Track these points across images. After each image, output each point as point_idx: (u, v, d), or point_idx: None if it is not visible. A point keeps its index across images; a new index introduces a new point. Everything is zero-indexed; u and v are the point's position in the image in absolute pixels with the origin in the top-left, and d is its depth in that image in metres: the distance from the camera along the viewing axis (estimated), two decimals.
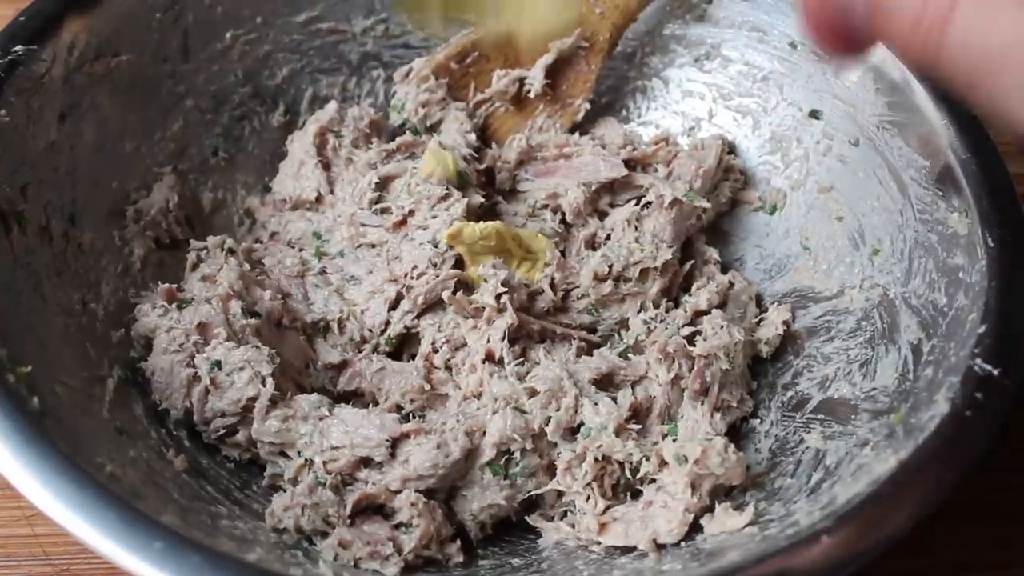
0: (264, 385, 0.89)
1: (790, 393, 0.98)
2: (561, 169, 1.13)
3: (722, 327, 0.97)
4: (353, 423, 0.88)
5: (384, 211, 1.07)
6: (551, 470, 0.90)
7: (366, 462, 0.87)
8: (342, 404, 0.93)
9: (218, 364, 0.89)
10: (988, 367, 0.76)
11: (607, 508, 0.88)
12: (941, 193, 0.92)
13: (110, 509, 0.66)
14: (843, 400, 0.91)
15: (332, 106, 1.16)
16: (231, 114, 1.15)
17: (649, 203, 1.08)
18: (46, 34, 0.94)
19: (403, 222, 1.04)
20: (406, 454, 0.87)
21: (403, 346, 1.02)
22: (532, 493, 0.90)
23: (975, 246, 0.86)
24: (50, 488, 0.67)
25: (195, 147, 1.12)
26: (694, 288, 1.06)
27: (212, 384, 0.89)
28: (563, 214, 1.10)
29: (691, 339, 0.97)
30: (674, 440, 0.89)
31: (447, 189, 1.04)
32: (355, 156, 1.13)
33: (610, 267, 1.03)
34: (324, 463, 0.86)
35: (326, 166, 1.13)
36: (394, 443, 0.87)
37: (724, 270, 1.10)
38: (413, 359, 1.00)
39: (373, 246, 1.06)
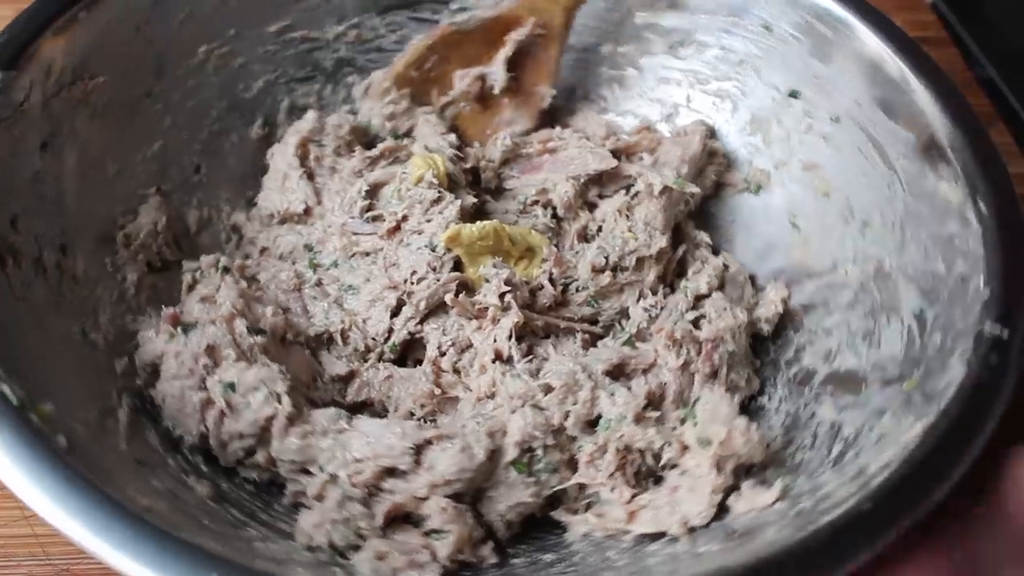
0: (280, 403, 0.87)
1: (795, 368, 1.00)
2: (547, 164, 1.13)
3: (725, 309, 0.99)
4: (374, 434, 0.87)
5: (375, 218, 1.06)
6: (572, 464, 0.91)
7: (391, 472, 0.86)
8: (359, 415, 0.92)
9: (231, 386, 0.88)
10: (997, 330, 0.79)
11: (633, 496, 0.88)
12: (928, 163, 0.94)
13: (162, 543, 0.65)
14: (851, 371, 0.93)
15: (311, 115, 1.15)
16: (210, 129, 1.13)
17: (639, 192, 1.09)
18: (22, 59, 0.91)
19: (397, 228, 1.04)
20: (431, 460, 0.86)
21: (407, 352, 1.02)
22: (557, 488, 0.90)
23: (967, 213, 0.88)
24: (90, 526, 0.66)
25: (176, 166, 1.10)
26: (691, 272, 1.07)
27: (227, 406, 0.87)
28: (554, 209, 1.10)
29: (695, 323, 0.98)
30: (695, 424, 0.90)
31: (438, 192, 1.04)
32: (339, 165, 1.12)
33: (606, 258, 1.04)
34: (349, 476, 0.85)
35: (311, 177, 1.11)
36: (418, 450, 0.87)
37: (715, 253, 1.12)
38: (418, 364, 0.99)
39: (367, 254, 1.05)
